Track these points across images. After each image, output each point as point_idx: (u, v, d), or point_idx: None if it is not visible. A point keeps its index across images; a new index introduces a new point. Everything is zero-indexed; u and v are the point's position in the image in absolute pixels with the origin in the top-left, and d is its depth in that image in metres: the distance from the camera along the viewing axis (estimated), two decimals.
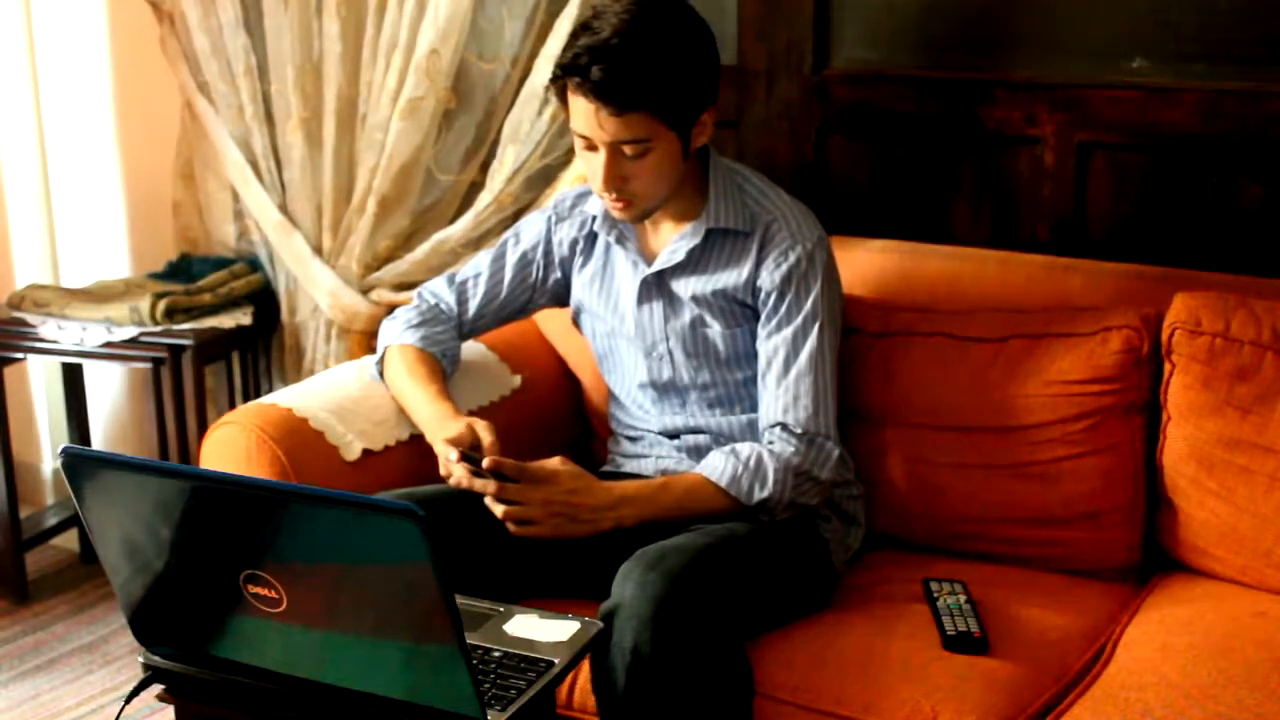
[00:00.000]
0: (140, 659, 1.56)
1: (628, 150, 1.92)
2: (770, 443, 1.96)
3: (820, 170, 2.56)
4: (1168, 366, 2.04)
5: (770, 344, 2.01)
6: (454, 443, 1.90)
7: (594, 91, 1.87)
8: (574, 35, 1.93)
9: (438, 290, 2.22)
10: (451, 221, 2.86)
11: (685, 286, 2.06)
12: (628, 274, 2.12)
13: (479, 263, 2.22)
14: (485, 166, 2.85)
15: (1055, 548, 2.10)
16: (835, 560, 2.04)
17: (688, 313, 2.07)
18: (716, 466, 1.94)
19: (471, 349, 2.39)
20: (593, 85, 1.87)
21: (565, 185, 2.69)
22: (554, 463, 1.89)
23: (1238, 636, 1.84)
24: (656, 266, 2.07)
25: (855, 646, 1.84)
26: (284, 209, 3.02)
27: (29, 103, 3.29)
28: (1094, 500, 2.07)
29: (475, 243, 2.83)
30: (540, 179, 2.77)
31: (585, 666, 1.82)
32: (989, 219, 2.43)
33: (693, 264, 2.06)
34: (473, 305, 2.21)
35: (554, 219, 2.20)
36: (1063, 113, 2.32)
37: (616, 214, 2.02)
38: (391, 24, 2.78)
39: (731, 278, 2.03)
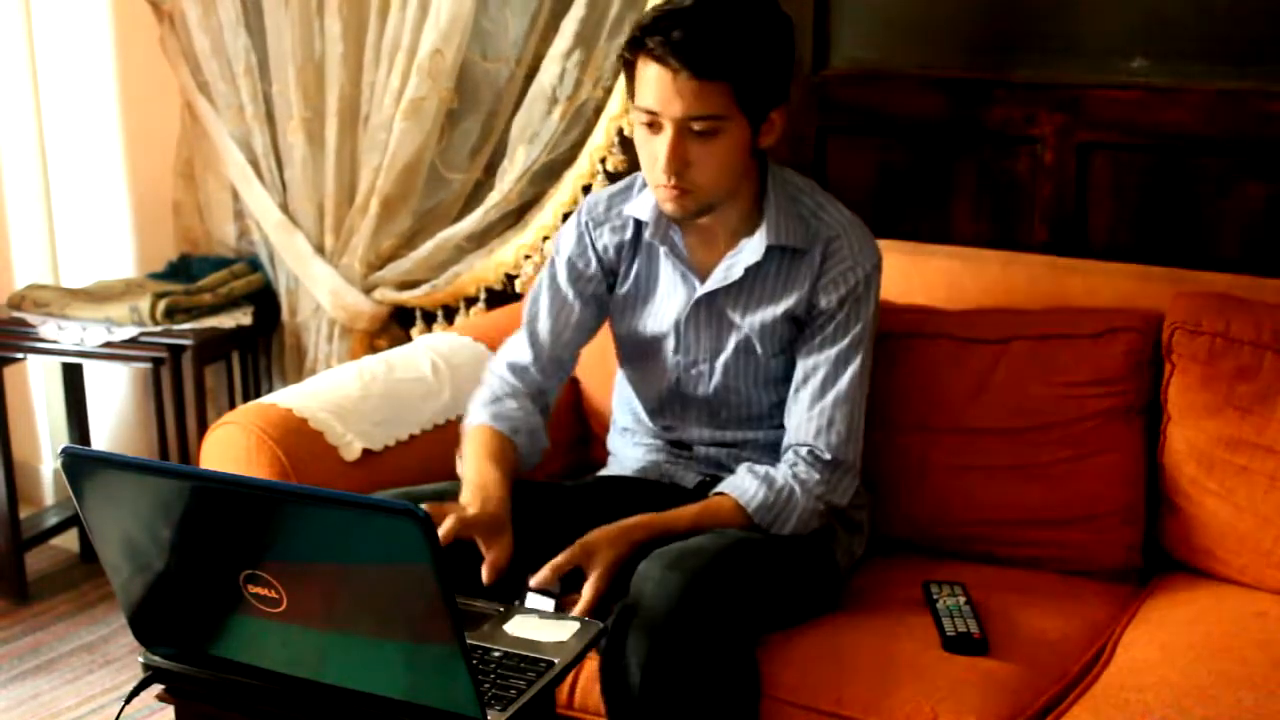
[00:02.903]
0: (140, 659, 1.56)
1: (696, 128, 1.82)
2: (794, 464, 1.93)
3: (820, 170, 2.55)
4: (1168, 367, 2.05)
5: (810, 361, 1.95)
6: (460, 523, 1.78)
7: (675, 52, 1.79)
8: (653, 10, 1.87)
9: (511, 348, 2.09)
10: (455, 220, 2.86)
11: (739, 310, 1.98)
12: (674, 286, 2.02)
13: (535, 301, 2.09)
14: (489, 166, 2.85)
15: (1056, 549, 2.10)
16: (839, 565, 2.04)
17: (735, 337, 2.00)
18: (747, 490, 1.90)
19: (471, 349, 2.40)
20: (673, 46, 1.79)
21: (569, 184, 2.69)
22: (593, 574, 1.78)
23: (1238, 637, 1.84)
24: (711, 285, 1.98)
25: (856, 647, 1.84)
26: (285, 209, 3.02)
27: (29, 103, 3.29)
28: (1095, 501, 2.07)
29: (479, 239, 2.83)
30: (544, 175, 2.77)
31: (585, 666, 1.82)
32: (989, 219, 2.43)
33: (749, 283, 1.97)
34: (547, 339, 2.06)
35: (590, 224, 2.07)
36: (1063, 113, 2.32)
37: (669, 206, 1.90)
38: (394, 24, 2.78)
39: (789, 300, 1.96)
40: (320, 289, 2.96)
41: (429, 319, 2.94)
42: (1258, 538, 1.98)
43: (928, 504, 2.15)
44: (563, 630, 1.58)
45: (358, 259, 2.92)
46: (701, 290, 1.99)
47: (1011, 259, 2.30)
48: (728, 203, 1.94)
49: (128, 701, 1.56)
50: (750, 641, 1.80)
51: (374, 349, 2.85)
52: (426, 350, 2.38)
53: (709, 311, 2.01)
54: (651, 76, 1.82)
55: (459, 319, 2.87)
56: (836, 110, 2.53)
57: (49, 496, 3.39)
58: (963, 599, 1.92)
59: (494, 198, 2.78)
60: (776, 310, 1.97)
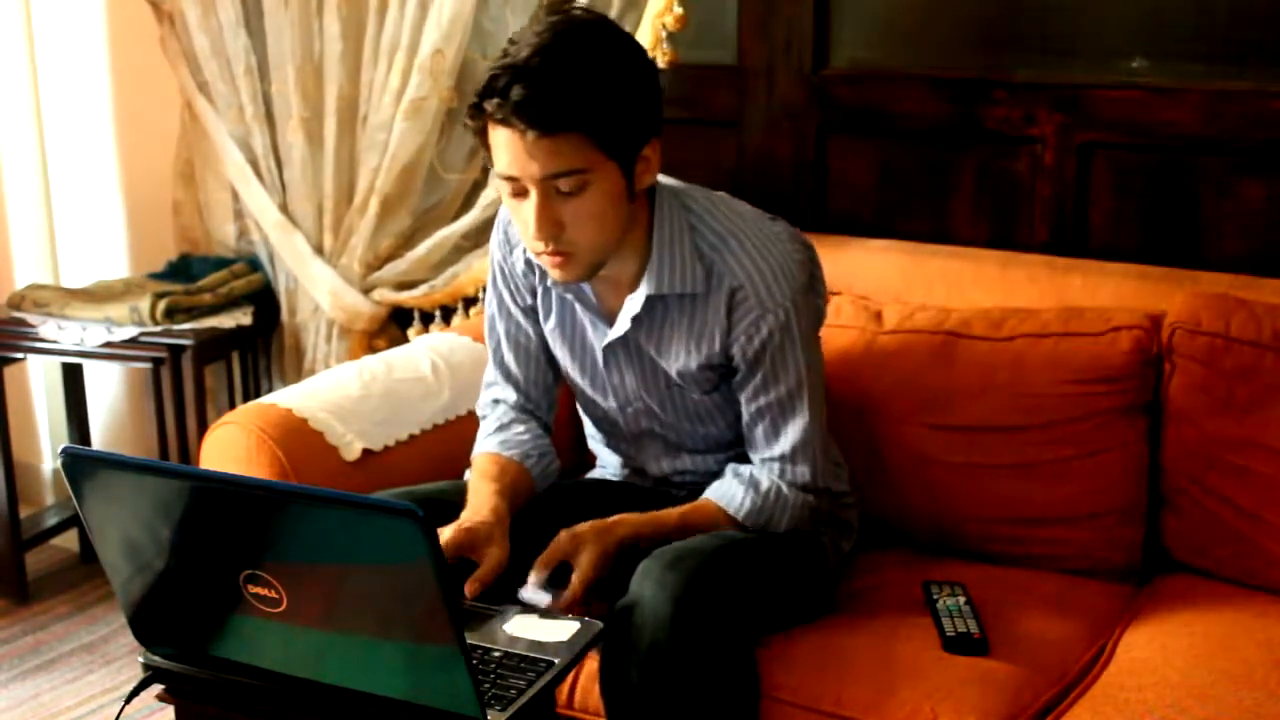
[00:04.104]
0: (140, 659, 1.56)
1: (562, 186, 1.69)
2: (778, 474, 1.91)
3: (820, 170, 2.56)
4: (1168, 366, 2.05)
5: (753, 407, 1.88)
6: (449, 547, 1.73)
7: (517, 112, 1.64)
8: (489, 70, 1.70)
9: (491, 387, 2.05)
10: (454, 220, 2.86)
11: (654, 349, 1.90)
12: (588, 330, 1.95)
13: (492, 332, 2.04)
14: (487, 165, 2.85)
15: (1057, 547, 2.09)
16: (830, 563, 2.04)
17: (660, 375, 1.92)
18: (735, 498, 1.88)
19: (471, 349, 2.39)
20: (515, 106, 1.64)
21: None
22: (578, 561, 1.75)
23: (1238, 637, 1.84)
24: (613, 334, 1.90)
25: (856, 648, 1.84)
26: (284, 209, 3.02)
27: (29, 103, 3.29)
28: (1096, 500, 2.07)
29: (476, 238, 2.83)
30: None
31: (585, 666, 1.82)
32: (989, 219, 2.43)
33: (657, 325, 1.88)
34: (518, 370, 2.02)
35: (506, 243, 1.98)
36: (1063, 113, 2.32)
37: (555, 274, 1.78)
38: (394, 24, 2.78)
39: (701, 352, 1.87)
40: (319, 289, 2.96)
41: (426, 320, 2.94)
42: (1258, 538, 1.98)
43: (928, 502, 2.15)
44: (563, 630, 1.58)
45: (356, 259, 2.92)
46: (607, 338, 1.91)
47: (1011, 259, 2.30)
48: (621, 252, 1.82)
49: (128, 701, 1.56)
50: (749, 642, 1.80)
51: (372, 349, 2.85)
52: (426, 350, 2.39)
53: (627, 352, 1.92)
54: (502, 141, 1.69)
55: (456, 319, 2.87)
56: (836, 110, 2.53)
57: (49, 496, 3.40)
58: (963, 599, 1.92)
59: (490, 194, 2.78)
60: (690, 362, 1.88)
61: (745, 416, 1.91)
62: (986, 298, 2.23)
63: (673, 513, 1.88)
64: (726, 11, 2.60)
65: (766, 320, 1.82)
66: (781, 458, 1.89)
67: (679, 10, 2.51)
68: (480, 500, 1.82)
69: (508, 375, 2.04)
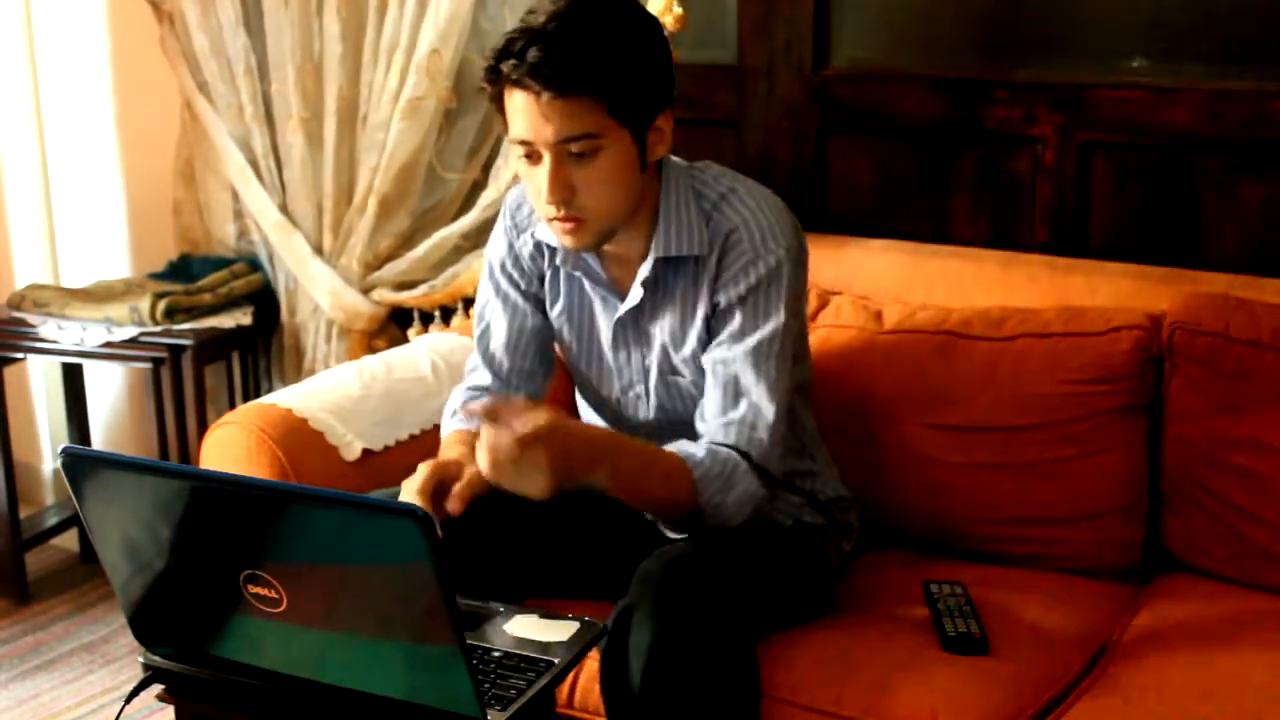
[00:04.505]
0: (140, 659, 1.56)
1: (574, 150, 1.72)
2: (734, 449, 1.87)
3: (820, 170, 2.56)
4: (1168, 366, 2.05)
5: (720, 355, 1.84)
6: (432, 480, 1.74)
7: (532, 74, 1.68)
8: (505, 34, 1.74)
9: (471, 374, 2.07)
10: (453, 220, 2.86)
11: (657, 326, 1.91)
12: (598, 308, 1.96)
13: (481, 317, 2.05)
14: (486, 166, 2.86)
15: (1057, 547, 2.09)
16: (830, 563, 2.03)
17: (659, 357, 1.93)
18: (694, 454, 1.81)
19: (470, 349, 2.39)
20: (530, 67, 1.68)
21: None
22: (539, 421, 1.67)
23: (1238, 637, 1.84)
24: (626, 305, 1.91)
25: (855, 647, 1.83)
26: (284, 209, 3.02)
27: (29, 102, 3.29)
28: (1097, 500, 2.07)
29: (475, 238, 2.83)
30: None
31: (585, 666, 1.82)
32: (989, 219, 2.43)
33: (662, 298, 1.89)
34: (504, 356, 2.02)
35: (513, 229, 2.00)
36: (1063, 113, 2.32)
37: (566, 240, 1.81)
38: (393, 24, 2.78)
39: (699, 312, 1.87)
40: (319, 289, 2.96)
41: (426, 320, 2.94)
42: (1258, 538, 1.98)
43: (928, 502, 2.15)
44: (563, 630, 1.59)
45: (356, 259, 2.92)
46: (619, 311, 1.92)
47: (1011, 259, 2.30)
48: (631, 227, 1.84)
49: (128, 701, 1.56)
50: (750, 642, 1.80)
51: (372, 349, 2.85)
52: (426, 350, 2.39)
53: (635, 331, 1.93)
54: (518, 104, 1.72)
55: (456, 319, 2.87)
56: (837, 110, 2.53)
57: (49, 496, 3.40)
58: (963, 599, 1.92)
59: (490, 195, 2.78)
60: (691, 329, 1.88)
61: (709, 375, 1.86)
62: (986, 298, 2.23)
63: (645, 449, 1.83)
64: (726, 11, 2.60)
65: (757, 266, 1.82)
66: (742, 421, 1.83)
67: (679, 10, 2.51)
68: (445, 455, 1.87)
69: (490, 361, 2.04)
